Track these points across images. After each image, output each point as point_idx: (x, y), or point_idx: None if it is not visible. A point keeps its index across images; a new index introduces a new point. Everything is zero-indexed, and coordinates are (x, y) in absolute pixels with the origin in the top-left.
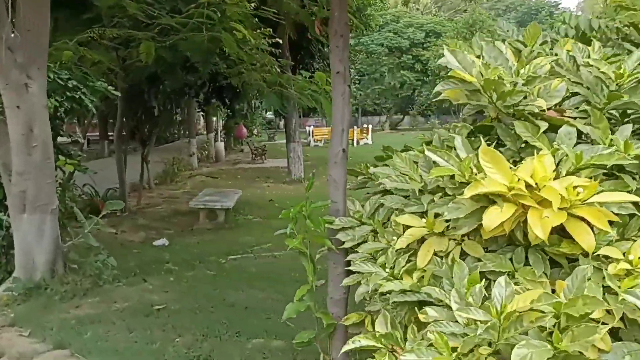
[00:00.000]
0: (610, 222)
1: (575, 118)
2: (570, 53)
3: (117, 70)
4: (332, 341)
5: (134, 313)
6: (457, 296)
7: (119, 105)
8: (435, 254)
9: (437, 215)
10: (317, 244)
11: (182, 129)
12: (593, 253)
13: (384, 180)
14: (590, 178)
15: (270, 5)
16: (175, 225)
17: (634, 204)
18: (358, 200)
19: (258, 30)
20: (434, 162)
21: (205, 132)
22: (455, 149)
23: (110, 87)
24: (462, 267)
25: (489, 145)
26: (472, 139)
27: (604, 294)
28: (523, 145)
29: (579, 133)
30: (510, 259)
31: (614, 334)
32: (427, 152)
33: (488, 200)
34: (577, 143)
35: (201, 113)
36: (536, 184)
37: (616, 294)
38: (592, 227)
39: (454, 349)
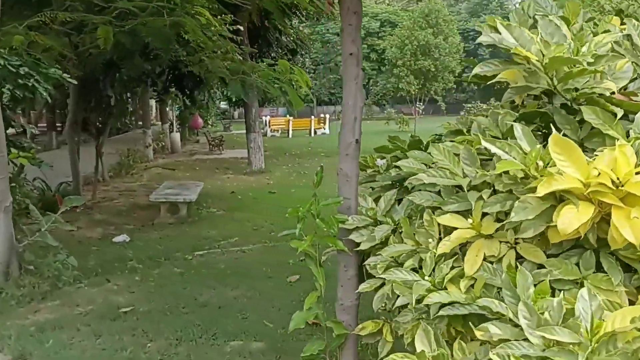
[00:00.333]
0: None
1: None
2: (625, 31)
3: (70, 57)
4: (342, 352)
5: (99, 317)
6: (527, 311)
7: (71, 94)
8: (484, 258)
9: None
10: (322, 245)
11: (134, 119)
12: None
13: (421, 175)
14: None
15: None
16: (134, 220)
17: None
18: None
19: (220, 17)
20: (495, 156)
21: (159, 123)
22: (498, 140)
23: (65, 75)
24: (525, 275)
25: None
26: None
27: None
28: (586, 134)
29: None
30: (576, 264)
31: None
32: (485, 144)
33: (555, 198)
34: None
35: (154, 102)
36: (618, 178)
37: None
38: None
39: None
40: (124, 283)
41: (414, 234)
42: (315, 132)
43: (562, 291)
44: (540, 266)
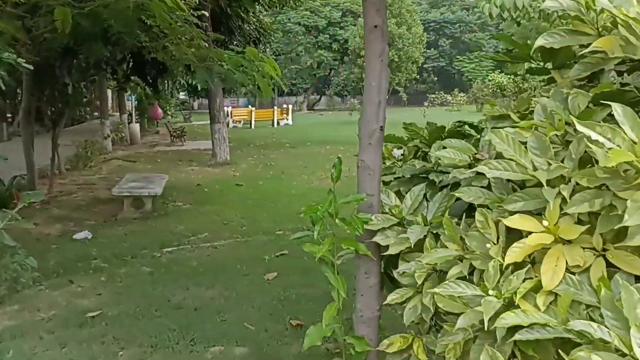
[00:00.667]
0: None
1: None
2: None
3: (24, 42)
4: None
5: (64, 323)
6: None
7: (24, 82)
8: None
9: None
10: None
11: (90, 109)
12: None
13: (481, 168)
14: None
15: None
16: (96, 215)
17: None
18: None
19: (184, 0)
20: (578, 143)
21: (116, 113)
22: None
23: (20, 59)
24: (630, 291)
25: None
26: (591, 108)
27: None
28: None
29: None
30: None
31: None
32: (582, 128)
33: None
34: None
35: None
36: None
37: None
38: None
39: None
40: (89, 284)
41: (462, 237)
42: (278, 123)
43: None
44: (637, 278)
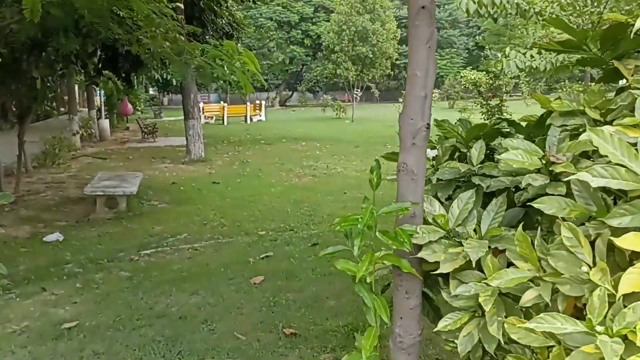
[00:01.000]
0: None
1: None
2: None
3: None
4: None
5: (37, 336)
6: None
7: None
8: None
9: None
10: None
11: (56, 105)
12: None
13: (583, 175)
14: None
15: None
16: (67, 215)
17: None
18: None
19: None
20: None
21: (84, 109)
22: None
23: None
24: None
25: None
26: None
27: None
28: None
29: None
30: None
31: None
32: None
33: None
34: None
35: (77, 86)
36: None
37: None
38: None
39: None
40: (64, 292)
41: (540, 257)
42: (251, 119)
43: None
44: None
